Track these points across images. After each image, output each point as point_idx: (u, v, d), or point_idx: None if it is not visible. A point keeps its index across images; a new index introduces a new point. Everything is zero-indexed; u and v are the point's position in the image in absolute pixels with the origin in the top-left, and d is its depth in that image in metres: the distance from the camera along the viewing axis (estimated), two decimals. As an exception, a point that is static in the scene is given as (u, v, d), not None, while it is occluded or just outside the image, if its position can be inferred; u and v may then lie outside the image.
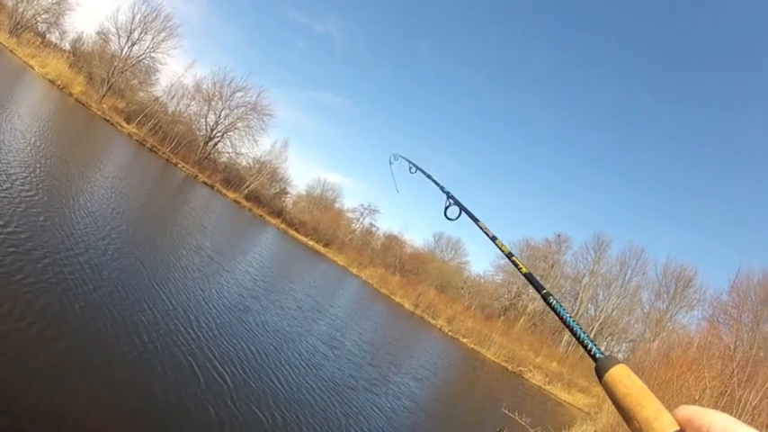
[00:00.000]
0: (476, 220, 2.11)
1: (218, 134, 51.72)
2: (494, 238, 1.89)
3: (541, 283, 1.35)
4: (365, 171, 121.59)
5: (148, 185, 24.62)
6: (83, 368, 5.51)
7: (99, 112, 35.11)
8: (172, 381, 6.40)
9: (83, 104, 33.75)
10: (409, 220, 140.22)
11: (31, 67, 31.37)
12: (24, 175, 10.84)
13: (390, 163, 3.42)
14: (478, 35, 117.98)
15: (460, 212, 2.30)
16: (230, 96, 51.74)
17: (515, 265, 1.56)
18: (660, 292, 49.65)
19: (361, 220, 79.73)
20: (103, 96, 38.63)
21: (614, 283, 52.42)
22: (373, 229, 79.82)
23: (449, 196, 2.44)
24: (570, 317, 1.16)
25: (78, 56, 43.55)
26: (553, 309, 1.23)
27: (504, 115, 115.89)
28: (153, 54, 45.70)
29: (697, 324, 39.12)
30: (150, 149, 38.78)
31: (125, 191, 17.61)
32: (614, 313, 51.58)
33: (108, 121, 35.46)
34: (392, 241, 74.57)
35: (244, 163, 56.44)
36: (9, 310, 5.62)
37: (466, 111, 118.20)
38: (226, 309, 11.12)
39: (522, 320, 54.87)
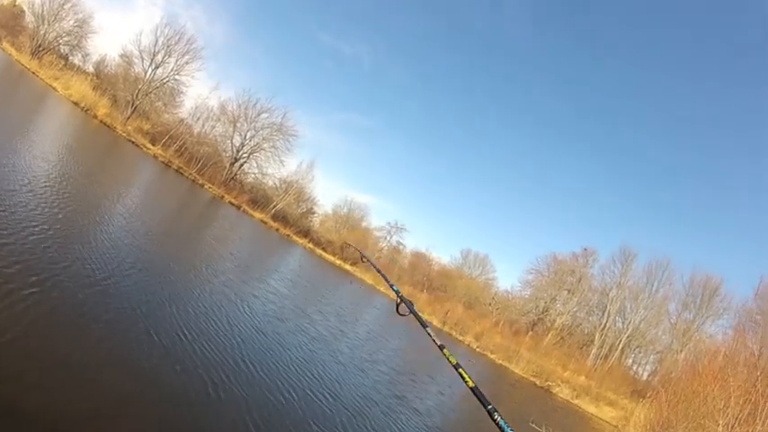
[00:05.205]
0: (425, 326, 2.31)
1: (244, 155, 52.30)
2: (441, 347, 1.97)
3: (487, 398, 1.38)
4: (392, 190, 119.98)
5: (176, 206, 25.09)
6: (102, 385, 5.37)
7: (124, 134, 35.35)
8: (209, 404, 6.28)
9: (107, 126, 34.16)
10: (436, 237, 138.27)
11: (54, 89, 31.50)
12: (52, 195, 10.80)
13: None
14: (505, 43, 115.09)
15: (410, 312, 2.60)
16: (255, 117, 52.41)
17: (461, 376, 1.61)
18: (687, 302, 48.97)
19: (388, 238, 78.58)
20: (128, 118, 39.02)
21: (641, 295, 51.63)
22: (400, 246, 78.77)
23: (399, 296, 2.85)
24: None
25: (102, 78, 44.03)
26: (498, 425, 1.26)
27: (533, 126, 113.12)
28: (177, 76, 46.36)
29: (724, 333, 39.69)
30: (176, 171, 39.10)
31: (153, 212, 17.95)
32: (642, 325, 50.85)
33: (133, 142, 35.67)
34: (419, 258, 73.54)
35: (270, 183, 56.84)
36: (33, 320, 5.58)
37: (494, 124, 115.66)
38: (270, 331, 11.23)
39: (550, 335, 54.23)
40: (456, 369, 1.69)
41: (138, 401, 5.48)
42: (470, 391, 1.47)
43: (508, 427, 1.22)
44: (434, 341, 2.06)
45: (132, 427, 5.04)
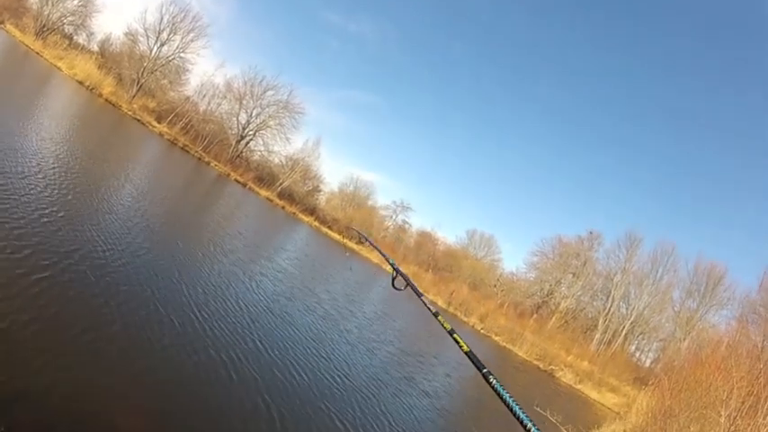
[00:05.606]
0: (419, 295, 2.28)
1: (250, 132, 52.10)
2: (436, 314, 2.00)
3: (482, 362, 1.42)
4: (398, 168, 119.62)
5: (182, 184, 25.13)
6: (113, 364, 5.37)
7: (129, 112, 35.18)
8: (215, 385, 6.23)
9: (113, 104, 34.03)
10: (442, 217, 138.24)
11: (59, 68, 31.34)
12: (58, 174, 10.79)
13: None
14: (511, 34, 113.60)
15: (407, 285, 2.59)
16: (261, 95, 52.04)
17: (456, 342, 1.64)
18: (691, 290, 48.70)
19: (394, 217, 78.69)
20: (134, 96, 38.83)
21: (646, 281, 51.31)
22: (406, 225, 78.81)
23: (395, 268, 2.76)
24: (510, 395, 1.22)
25: (107, 57, 43.69)
26: (493, 388, 1.28)
27: (537, 112, 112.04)
28: (182, 54, 46.04)
29: (727, 323, 39.48)
30: (182, 148, 39.10)
31: (160, 190, 17.94)
32: (645, 312, 50.61)
33: (139, 120, 35.55)
34: (425, 238, 73.75)
35: (276, 161, 56.75)
36: (46, 302, 5.58)
37: (498, 108, 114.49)
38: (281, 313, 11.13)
39: (554, 318, 54.22)
40: (451, 335, 1.76)
41: (151, 380, 5.49)
42: (466, 355, 1.53)
43: (503, 389, 1.23)
44: (429, 309, 2.09)
45: (144, 405, 5.04)
